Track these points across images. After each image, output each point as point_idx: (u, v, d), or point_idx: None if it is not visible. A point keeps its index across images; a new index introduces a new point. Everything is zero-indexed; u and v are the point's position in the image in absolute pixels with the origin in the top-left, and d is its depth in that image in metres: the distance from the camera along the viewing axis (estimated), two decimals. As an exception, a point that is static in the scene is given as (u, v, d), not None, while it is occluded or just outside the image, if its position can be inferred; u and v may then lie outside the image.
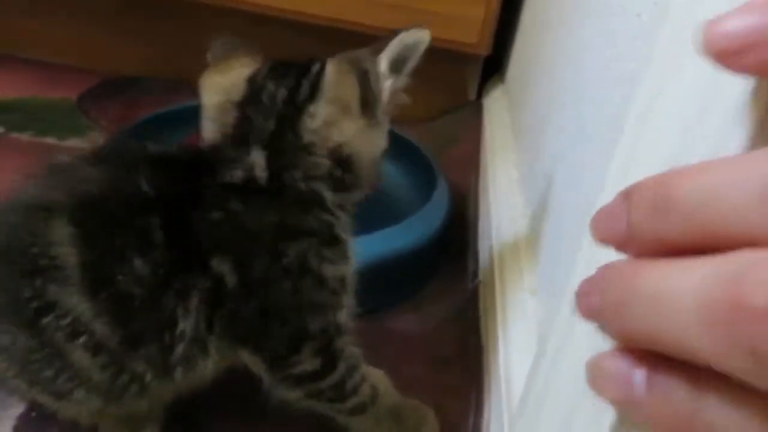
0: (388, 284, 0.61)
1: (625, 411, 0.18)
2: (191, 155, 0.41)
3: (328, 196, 0.41)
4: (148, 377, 0.38)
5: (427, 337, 0.57)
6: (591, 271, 0.27)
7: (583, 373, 0.26)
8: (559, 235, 0.44)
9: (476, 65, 0.99)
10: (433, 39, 0.88)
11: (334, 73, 0.41)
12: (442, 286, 0.64)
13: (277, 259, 0.38)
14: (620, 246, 0.16)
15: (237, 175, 0.39)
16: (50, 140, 0.82)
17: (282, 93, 0.40)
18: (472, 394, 0.50)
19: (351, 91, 0.41)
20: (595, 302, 0.17)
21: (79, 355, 0.36)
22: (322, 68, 0.41)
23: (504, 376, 0.43)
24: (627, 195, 0.16)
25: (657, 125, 0.24)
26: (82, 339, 0.36)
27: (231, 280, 0.37)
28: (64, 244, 0.35)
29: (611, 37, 0.39)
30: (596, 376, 0.18)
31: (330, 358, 0.41)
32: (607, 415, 0.24)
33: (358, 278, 0.55)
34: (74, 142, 0.82)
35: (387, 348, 0.56)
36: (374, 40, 0.46)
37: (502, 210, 0.62)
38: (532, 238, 0.53)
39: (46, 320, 0.35)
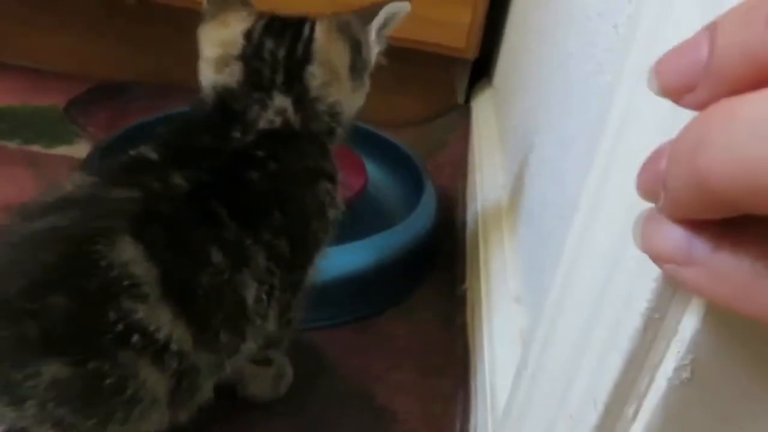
0: (377, 291, 0.61)
1: (675, 277, 0.17)
2: (199, 124, 0.44)
3: (330, 145, 0.46)
4: (203, 375, 0.38)
5: (416, 343, 0.57)
6: (573, 278, 0.27)
7: (561, 387, 0.27)
8: (543, 242, 0.45)
9: (464, 69, 0.99)
10: (421, 43, 0.90)
11: (323, 40, 0.44)
12: (431, 291, 0.64)
13: (313, 198, 0.43)
14: (691, 87, 0.14)
15: (276, 121, 0.43)
16: (37, 148, 0.82)
17: (281, 51, 0.44)
18: (459, 400, 0.50)
19: (340, 57, 0.45)
20: (662, 164, 0.15)
21: (149, 370, 0.35)
22: (312, 32, 0.44)
23: (489, 383, 0.43)
24: (711, 25, 0.14)
25: (630, 136, 0.24)
26: (155, 350, 0.35)
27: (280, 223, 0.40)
28: (139, 261, 0.35)
29: (591, 47, 0.40)
30: (650, 237, 0.16)
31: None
32: (585, 428, 0.24)
33: (347, 285, 0.56)
34: (62, 150, 0.82)
35: (376, 354, 0.56)
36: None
37: (489, 216, 0.62)
38: (517, 244, 0.53)
39: (133, 339, 0.34)
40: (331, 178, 0.46)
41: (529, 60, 0.65)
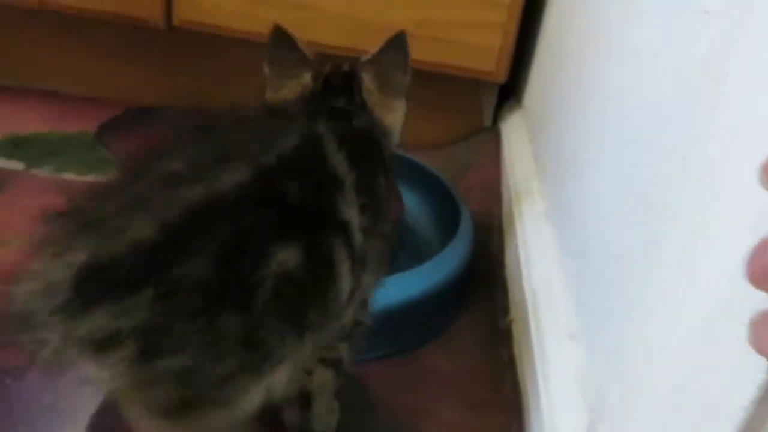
0: (418, 323, 0.61)
1: None
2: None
3: None
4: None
5: (461, 377, 0.57)
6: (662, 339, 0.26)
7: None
8: (600, 281, 0.44)
9: (492, 90, 0.99)
10: (451, 67, 0.89)
11: (369, 82, 0.55)
12: (471, 321, 0.64)
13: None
14: None
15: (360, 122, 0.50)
16: (70, 176, 0.82)
17: (340, 102, 0.52)
18: (510, 438, 0.50)
19: (395, 110, 0.57)
20: None
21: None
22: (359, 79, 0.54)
23: (549, 425, 0.42)
24: None
25: (727, 205, 0.24)
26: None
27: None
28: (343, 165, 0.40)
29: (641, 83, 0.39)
30: (764, 341, 0.17)
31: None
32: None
33: (390, 318, 0.56)
34: (94, 178, 0.82)
35: (420, 388, 0.56)
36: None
37: (530, 245, 0.61)
38: (568, 279, 0.52)
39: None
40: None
41: (572, 89, 0.64)
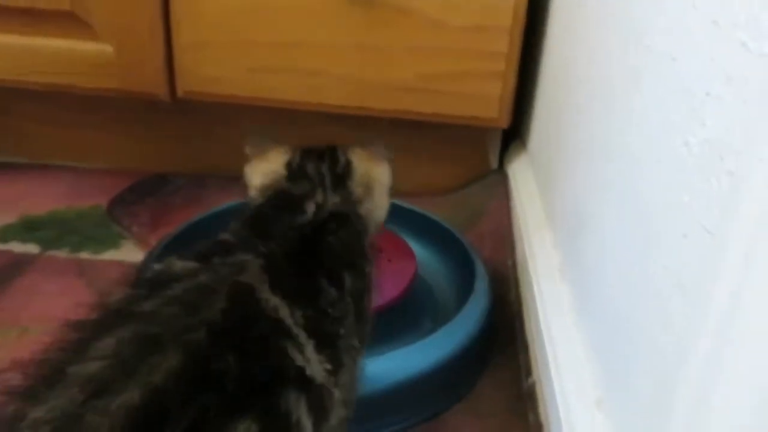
0: (442, 389, 0.60)
1: None
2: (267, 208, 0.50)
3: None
4: None
5: (489, 444, 0.56)
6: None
7: None
8: (627, 343, 0.44)
9: (496, 133, 0.99)
10: (455, 117, 0.90)
11: (360, 163, 0.54)
12: (496, 382, 0.63)
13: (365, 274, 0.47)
14: None
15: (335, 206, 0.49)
16: (86, 255, 0.83)
17: (324, 168, 0.52)
18: None
19: (381, 177, 0.56)
20: None
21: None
22: (347, 156, 0.54)
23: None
24: None
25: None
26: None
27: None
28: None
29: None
30: None
31: None
32: None
33: (413, 388, 0.55)
34: (110, 255, 0.83)
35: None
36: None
37: (547, 301, 0.61)
38: (590, 339, 0.52)
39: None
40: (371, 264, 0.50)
41: (577, 139, 0.64)
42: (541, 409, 0.55)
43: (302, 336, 0.37)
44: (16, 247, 0.83)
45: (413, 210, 0.84)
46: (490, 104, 0.87)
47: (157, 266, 0.40)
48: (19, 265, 0.79)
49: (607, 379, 0.47)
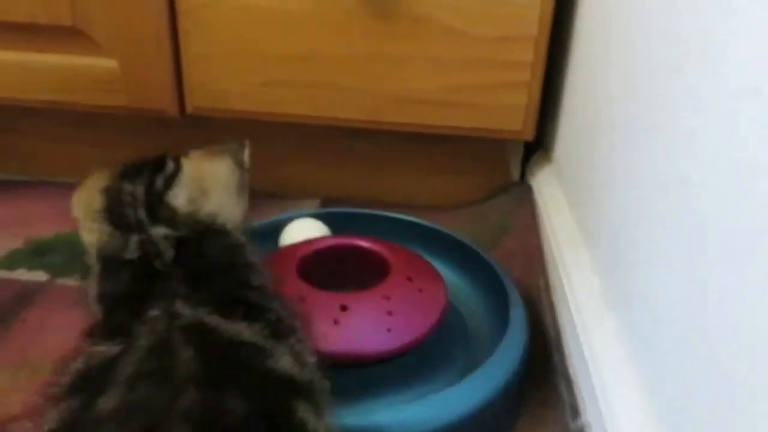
0: (482, 427, 0.57)
1: None
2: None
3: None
4: None
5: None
6: None
7: None
8: (694, 389, 0.40)
9: (518, 144, 0.96)
10: (478, 130, 0.86)
11: (191, 164, 0.49)
12: (534, 420, 0.59)
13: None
14: None
15: (170, 249, 0.42)
16: (96, 282, 0.79)
17: (139, 189, 0.45)
18: None
19: (216, 173, 0.50)
20: None
21: None
22: (177, 163, 0.48)
23: None
24: None
25: None
26: None
27: None
28: None
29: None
30: None
31: None
32: None
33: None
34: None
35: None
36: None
37: (591, 332, 0.57)
38: (641, 375, 0.48)
39: None
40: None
41: (615, 154, 0.61)
42: (593, 455, 0.51)
43: (270, 343, 0.36)
44: (23, 275, 0.80)
45: (437, 229, 0.80)
46: (514, 116, 0.83)
47: (74, 365, 0.35)
48: (27, 295, 0.76)
49: (667, 424, 0.43)
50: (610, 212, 0.61)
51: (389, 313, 0.60)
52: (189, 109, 0.87)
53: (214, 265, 0.42)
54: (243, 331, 0.36)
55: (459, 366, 0.64)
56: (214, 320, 0.36)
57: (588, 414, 0.54)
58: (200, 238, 0.44)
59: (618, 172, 0.59)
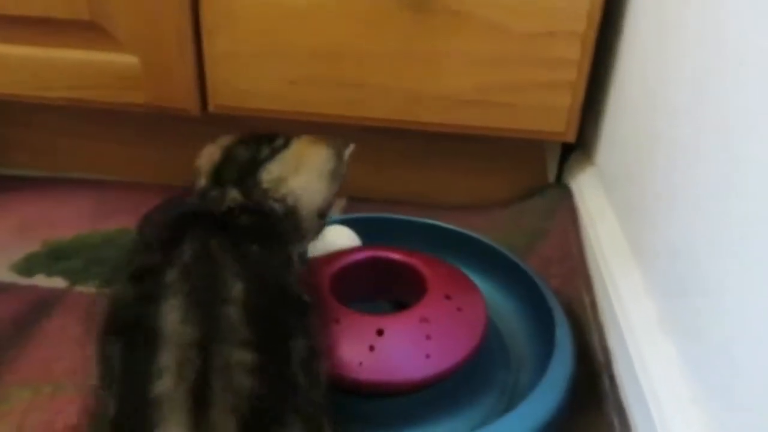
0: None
1: None
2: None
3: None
4: None
5: None
6: None
7: None
8: (747, 410, 0.36)
9: (556, 145, 0.91)
10: (517, 131, 0.82)
11: (298, 144, 0.56)
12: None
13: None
14: None
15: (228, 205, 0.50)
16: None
17: (247, 154, 0.54)
18: None
19: (316, 157, 0.57)
20: None
21: None
22: (287, 141, 0.57)
23: None
24: None
25: None
26: None
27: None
28: None
29: None
30: None
31: None
32: None
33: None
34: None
35: None
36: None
37: (649, 365, 0.53)
38: (704, 410, 0.44)
39: None
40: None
41: (676, 165, 0.56)
42: (652, 500, 0.47)
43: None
44: (42, 281, 0.77)
45: (472, 236, 0.76)
46: (557, 117, 0.78)
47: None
48: (47, 304, 0.73)
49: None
50: (668, 231, 0.56)
51: (428, 337, 0.56)
52: (211, 107, 0.83)
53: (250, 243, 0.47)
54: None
55: (500, 389, 0.61)
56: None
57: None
58: (261, 216, 0.50)
59: (679, 193, 0.55)
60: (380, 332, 0.55)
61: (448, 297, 0.60)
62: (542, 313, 0.64)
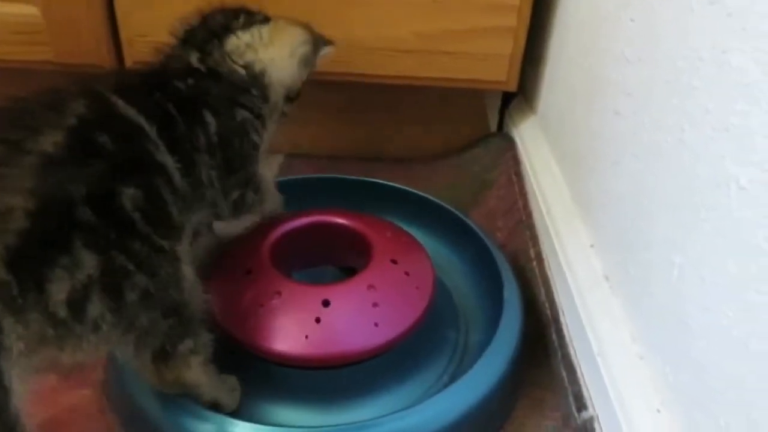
0: (483, 424, 0.53)
1: None
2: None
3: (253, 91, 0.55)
4: None
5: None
6: None
7: None
8: (697, 360, 0.36)
9: (497, 93, 0.88)
10: (458, 81, 0.79)
11: (275, 22, 0.58)
12: (535, 401, 0.56)
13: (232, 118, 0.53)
14: None
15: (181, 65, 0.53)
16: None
17: (221, 19, 0.56)
18: None
19: (290, 37, 0.59)
20: None
21: None
22: (266, 19, 0.58)
23: None
24: None
25: None
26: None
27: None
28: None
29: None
30: None
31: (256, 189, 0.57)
32: None
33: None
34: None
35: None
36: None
37: (597, 320, 0.53)
38: (655, 371, 0.44)
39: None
40: (252, 110, 0.54)
41: (627, 120, 0.54)
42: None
43: (161, 144, 0.44)
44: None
45: (417, 194, 0.73)
46: (498, 66, 0.76)
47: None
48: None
49: (687, 420, 0.40)
50: (613, 183, 0.56)
51: (375, 305, 0.54)
52: (129, 63, 0.76)
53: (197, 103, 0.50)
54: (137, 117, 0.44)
55: (451, 350, 0.60)
56: (121, 105, 0.44)
57: (595, 406, 0.51)
58: (216, 80, 0.53)
59: (626, 138, 0.53)
60: (326, 303, 0.53)
61: (394, 261, 0.58)
62: (490, 271, 0.63)
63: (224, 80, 0.53)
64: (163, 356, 0.43)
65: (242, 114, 0.53)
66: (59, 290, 0.36)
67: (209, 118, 0.50)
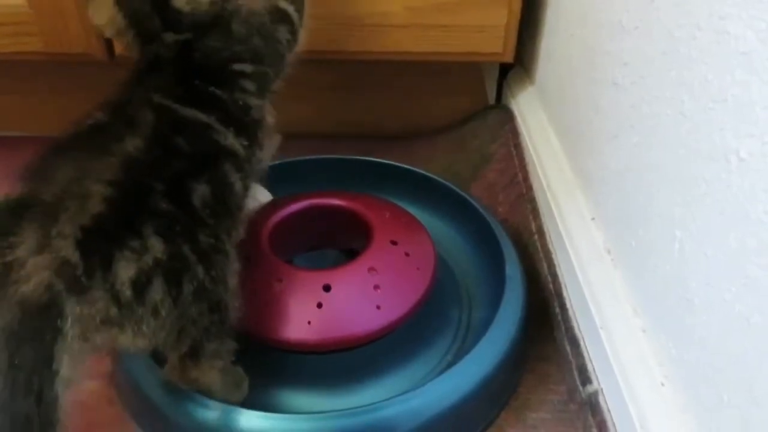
0: (489, 401, 0.53)
1: None
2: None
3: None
4: None
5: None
6: None
7: None
8: (714, 350, 0.36)
9: (494, 66, 0.87)
10: (453, 54, 0.77)
11: None
12: (539, 375, 0.56)
13: None
14: None
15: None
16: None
17: None
18: None
19: None
20: None
21: None
22: None
23: None
24: None
25: None
26: None
27: None
28: None
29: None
30: None
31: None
32: None
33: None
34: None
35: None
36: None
37: (598, 293, 0.53)
38: (657, 344, 0.44)
39: None
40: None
41: (627, 94, 0.53)
42: (610, 425, 0.48)
43: (221, 126, 0.46)
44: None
45: (416, 172, 0.73)
46: (493, 37, 0.74)
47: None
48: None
49: (692, 393, 0.40)
50: (613, 157, 0.55)
51: (377, 288, 0.54)
52: (119, 49, 0.75)
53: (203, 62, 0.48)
54: (198, 114, 0.45)
55: (455, 328, 0.60)
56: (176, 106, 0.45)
57: (600, 380, 0.51)
58: (203, 34, 0.49)
59: (626, 110, 0.52)
60: (327, 288, 0.53)
61: (394, 242, 0.58)
62: (492, 247, 0.62)
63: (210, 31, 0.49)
64: (194, 353, 0.44)
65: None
66: (126, 270, 0.38)
67: (239, 67, 0.49)
